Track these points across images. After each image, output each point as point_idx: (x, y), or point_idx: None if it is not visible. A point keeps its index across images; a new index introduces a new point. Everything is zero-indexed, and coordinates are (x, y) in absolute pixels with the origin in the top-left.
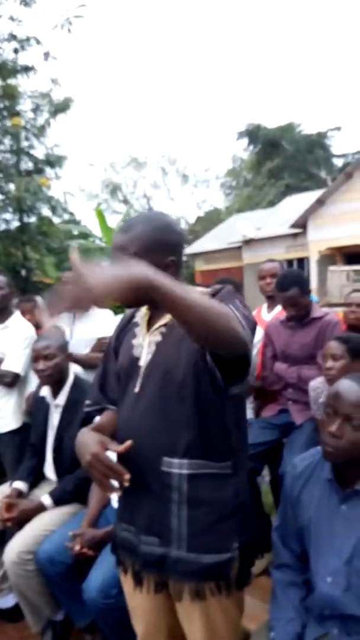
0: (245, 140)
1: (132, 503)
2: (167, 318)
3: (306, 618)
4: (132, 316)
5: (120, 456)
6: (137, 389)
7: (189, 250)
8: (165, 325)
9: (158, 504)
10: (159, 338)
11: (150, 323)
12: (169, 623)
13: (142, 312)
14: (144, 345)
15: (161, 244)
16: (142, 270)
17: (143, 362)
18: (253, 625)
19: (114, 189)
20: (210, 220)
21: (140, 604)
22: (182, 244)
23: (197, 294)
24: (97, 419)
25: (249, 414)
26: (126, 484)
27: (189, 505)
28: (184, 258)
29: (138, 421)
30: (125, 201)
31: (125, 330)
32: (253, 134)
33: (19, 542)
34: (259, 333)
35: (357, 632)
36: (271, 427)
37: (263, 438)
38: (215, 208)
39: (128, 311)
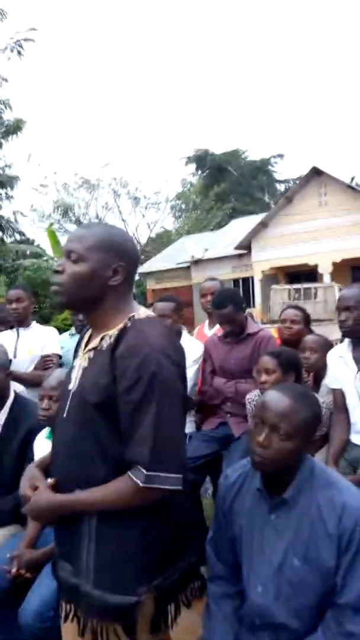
0: (194, 165)
1: (57, 528)
2: (96, 342)
3: (239, 629)
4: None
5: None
6: (65, 414)
7: (140, 269)
8: (94, 349)
9: (73, 533)
10: (86, 363)
11: (87, 343)
12: None
13: (88, 332)
14: (76, 368)
15: (113, 246)
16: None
17: (72, 387)
18: (189, 638)
19: (66, 210)
20: (161, 241)
21: (64, 628)
22: (134, 257)
23: (102, 497)
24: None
25: (190, 427)
26: None
27: (97, 540)
28: (137, 277)
29: (60, 448)
30: (78, 222)
31: (78, 348)
32: (201, 159)
33: None
34: (200, 348)
35: (287, 639)
36: (211, 440)
37: (203, 451)
38: (165, 229)
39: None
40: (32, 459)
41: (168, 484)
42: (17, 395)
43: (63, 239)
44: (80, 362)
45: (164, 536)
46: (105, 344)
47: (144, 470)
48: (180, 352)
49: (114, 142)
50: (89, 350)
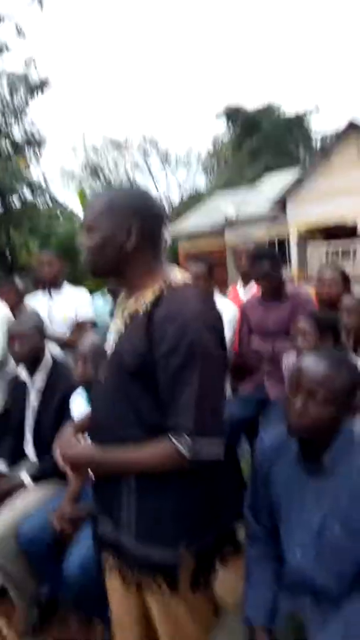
0: (225, 122)
1: (97, 483)
2: (131, 307)
3: (279, 593)
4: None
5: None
6: (102, 377)
7: (172, 231)
8: (130, 313)
9: (114, 489)
10: (122, 328)
11: (124, 308)
12: (138, 604)
13: (121, 296)
14: (113, 332)
15: (122, 208)
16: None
17: (109, 350)
18: (230, 598)
19: (96, 171)
20: (193, 201)
21: (108, 581)
22: (150, 213)
23: (139, 458)
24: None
25: (227, 390)
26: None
27: (138, 497)
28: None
29: (98, 410)
30: (108, 183)
31: (116, 311)
32: (232, 115)
33: (0, 522)
34: (233, 310)
35: (327, 602)
36: (248, 403)
37: (240, 414)
38: (197, 189)
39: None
40: (71, 419)
41: (212, 452)
42: (53, 358)
43: None
44: (117, 327)
45: (203, 495)
46: (140, 308)
47: (190, 438)
48: (218, 318)
49: (143, 101)
50: (125, 314)
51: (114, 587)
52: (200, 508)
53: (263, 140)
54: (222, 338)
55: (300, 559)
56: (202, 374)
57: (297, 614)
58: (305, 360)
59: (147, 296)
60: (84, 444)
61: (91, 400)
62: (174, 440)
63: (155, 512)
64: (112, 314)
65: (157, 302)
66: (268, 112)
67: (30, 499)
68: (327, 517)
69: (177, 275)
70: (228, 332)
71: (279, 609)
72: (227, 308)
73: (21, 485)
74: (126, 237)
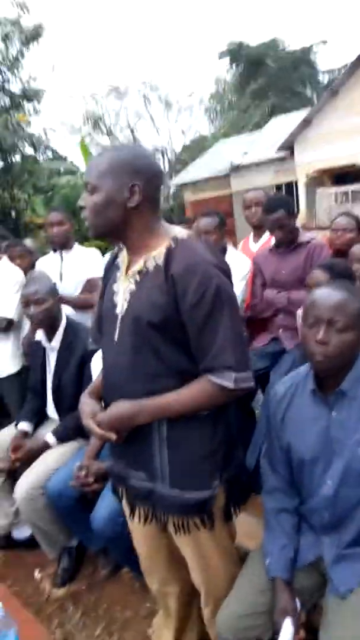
0: (228, 61)
1: (123, 445)
2: (140, 264)
3: (297, 543)
4: (116, 256)
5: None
6: (116, 338)
7: (177, 180)
8: (139, 272)
9: (142, 444)
10: (133, 286)
11: (128, 267)
12: (166, 544)
13: (123, 255)
14: (120, 292)
15: (124, 166)
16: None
17: (119, 311)
18: (251, 543)
19: (96, 121)
20: (197, 148)
21: (137, 528)
22: (152, 172)
23: (182, 399)
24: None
25: None
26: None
27: (168, 446)
28: (172, 189)
29: (119, 371)
30: (109, 133)
31: (110, 271)
32: (235, 53)
33: (28, 480)
34: (247, 263)
35: (347, 544)
36: (262, 356)
37: (254, 366)
38: (200, 135)
39: (113, 251)
40: (91, 378)
41: (248, 383)
42: (68, 319)
43: (95, 152)
44: (126, 286)
45: (226, 438)
46: (150, 265)
47: (233, 373)
48: (228, 268)
49: (141, 43)
50: (134, 273)
51: (144, 532)
52: (223, 447)
53: (268, 79)
54: (232, 281)
55: (331, 488)
56: (231, 316)
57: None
58: (317, 293)
59: (156, 253)
60: (117, 404)
61: (104, 362)
62: (213, 379)
63: (188, 456)
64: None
65: (169, 256)
66: (272, 47)
67: (55, 456)
68: (355, 444)
69: (181, 231)
70: (241, 287)
71: (298, 561)
72: (241, 262)
73: (46, 445)
74: (129, 196)
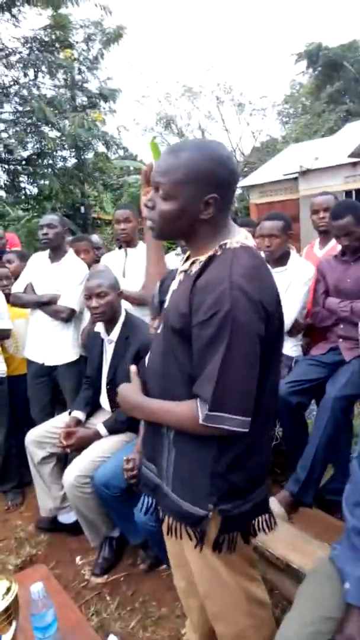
0: (304, 63)
1: (145, 432)
2: (187, 265)
3: None
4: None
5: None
6: (158, 330)
7: (244, 182)
8: (185, 272)
9: (157, 440)
10: (175, 286)
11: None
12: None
13: (185, 256)
14: (171, 289)
15: (204, 176)
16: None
17: (165, 306)
18: (294, 555)
19: (168, 122)
20: (266, 151)
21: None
22: (229, 181)
23: (170, 413)
24: None
25: (297, 351)
26: None
27: (175, 451)
28: (239, 191)
29: (151, 363)
30: (180, 134)
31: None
32: (312, 54)
33: (77, 467)
34: (311, 269)
35: None
36: (319, 365)
37: (310, 375)
38: (271, 137)
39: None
40: None
41: (229, 425)
42: (127, 314)
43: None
44: (174, 283)
45: (236, 466)
46: (194, 269)
47: (206, 409)
48: (266, 291)
49: (217, 44)
50: (180, 272)
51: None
52: (234, 472)
53: (345, 83)
54: (266, 313)
55: None
56: (231, 346)
57: None
58: None
59: (204, 257)
60: (127, 388)
61: (150, 350)
62: (197, 402)
63: (190, 468)
64: None
65: (207, 264)
66: (352, 49)
67: (105, 446)
68: None
69: (239, 237)
70: (302, 293)
71: None
72: (304, 268)
73: (97, 435)
74: (203, 208)
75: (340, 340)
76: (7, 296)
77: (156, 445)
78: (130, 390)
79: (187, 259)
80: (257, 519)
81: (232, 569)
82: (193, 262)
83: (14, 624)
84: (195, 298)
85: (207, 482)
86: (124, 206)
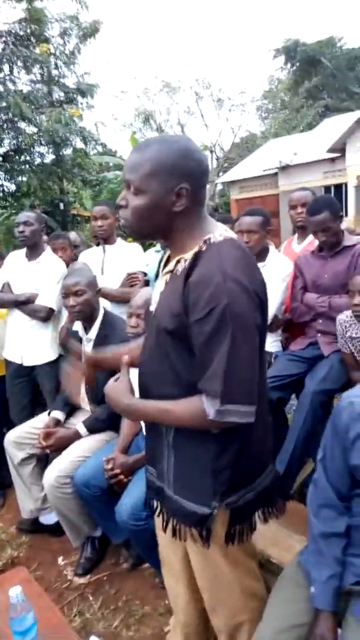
0: (282, 59)
1: (146, 436)
2: (172, 265)
3: (344, 569)
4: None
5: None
6: (147, 334)
7: (224, 178)
8: (170, 272)
9: (156, 443)
10: (162, 287)
11: (165, 266)
12: (179, 546)
13: (165, 255)
14: (156, 291)
15: (172, 167)
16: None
17: (152, 309)
18: (274, 550)
19: (147, 118)
20: (246, 147)
21: (157, 523)
22: (200, 172)
23: (171, 412)
24: None
25: (277, 346)
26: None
27: (175, 453)
28: (220, 186)
29: (143, 367)
30: (159, 129)
31: (160, 267)
32: (290, 50)
33: (57, 467)
34: (289, 265)
35: None
36: (298, 360)
37: (290, 370)
38: (250, 133)
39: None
40: None
41: (238, 417)
42: (106, 312)
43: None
44: (159, 285)
45: (238, 459)
46: (180, 267)
47: (218, 403)
48: (256, 280)
49: (195, 39)
50: (166, 273)
51: (160, 529)
52: (237, 465)
53: (323, 78)
54: (261, 301)
55: None
56: (234, 339)
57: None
58: None
59: (188, 255)
60: (118, 387)
61: (140, 353)
62: (203, 400)
63: (191, 469)
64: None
65: (195, 261)
66: (329, 44)
67: (85, 446)
68: None
69: (220, 231)
70: (281, 289)
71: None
72: (282, 264)
73: (77, 434)
74: (176, 200)
75: (319, 335)
76: None
77: (156, 449)
78: (119, 392)
79: (168, 259)
80: (260, 510)
81: (235, 565)
82: (178, 261)
83: None
84: (190, 295)
85: (209, 481)
86: (101, 203)
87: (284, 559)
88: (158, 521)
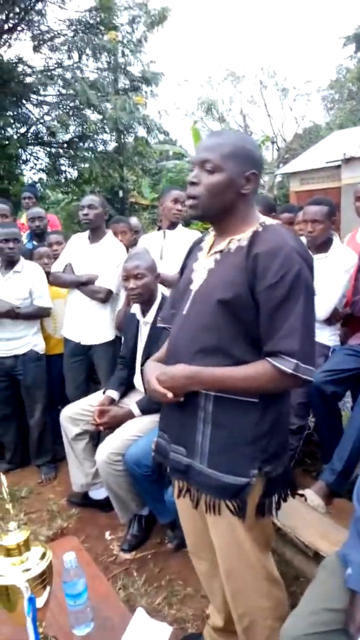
0: (352, 47)
1: (169, 414)
2: (223, 245)
3: None
4: (202, 240)
5: None
6: (185, 312)
7: (284, 169)
8: (220, 251)
9: (187, 418)
10: (212, 265)
11: (211, 248)
12: (204, 524)
13: (209, 237)
14: (199, 270)
15: (247, 154)
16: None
17: (194, 287)
18: (323, 543)
19: (209, 107)
20: (309, 137)
21: (180, 505)
22: (262, 166)
23: (236, 374)
24: None
25: (334, 340)
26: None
27: (212, 425)
28: (278, 178)
29: (181, 342)
30: (221, 119)
31: (193, 252)
32: None
33: (110, 445)
34: (353, 257)
35: None
36: (356, 355)
37: (346, 365)
38: (314, 124)
39: (200, 235)
40: None
41: (308, 375)
42: (164, 297)
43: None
44: (206, 264)
45: (274, 428)
46: (233, 246)
47: (293, 360)
48: (311, 258)
49: (262, 27)
50: (215, 252)
51: (183, 507)
52: (273, 433)
53: None
54: (313, 274)
55: None
56: (306, 305)
57: None
58: None
59: (241, 236)
60: (176, 366)
61: (172, 332)
62: (273, 361)
63: (230, 439)
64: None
65: (254, 238)
66: None
67: (138, 426)
68: None
69: (269, 219)
70: (344, 281)
71: None
72: (346, 255)
73: (130, 414)
74: (245, 183)
75: None
76: (47, 275)
77: (186, 425)
78: (176, 369)
79: (213, 242)
80: (283, 490)
81: (258, 544)
82: (230, 241)
83: (48, 588)
84: (258, 266)
85: (249, 449)
86: (176, 188)
87: (331, 552)
88: (181, 502)
